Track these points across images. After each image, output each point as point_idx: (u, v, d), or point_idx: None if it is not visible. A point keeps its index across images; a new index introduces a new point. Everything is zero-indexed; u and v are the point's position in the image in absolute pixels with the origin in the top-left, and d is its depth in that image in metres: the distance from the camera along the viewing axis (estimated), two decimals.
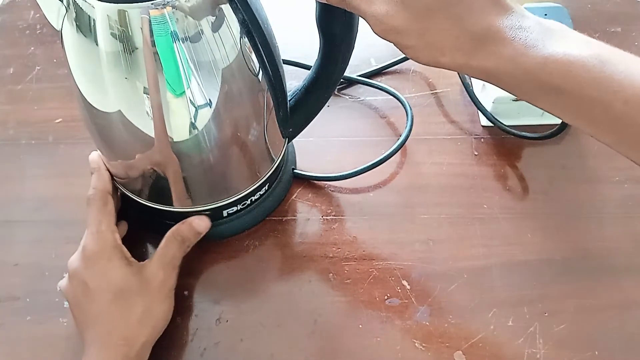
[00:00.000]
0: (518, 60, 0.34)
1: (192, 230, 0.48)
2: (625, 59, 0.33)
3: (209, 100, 0.40)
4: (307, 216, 0.54)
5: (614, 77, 0.33)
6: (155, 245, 0.50)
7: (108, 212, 0.47)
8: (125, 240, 0.49)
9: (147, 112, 0.40)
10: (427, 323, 0.48)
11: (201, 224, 0.48)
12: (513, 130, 0.58)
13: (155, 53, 0.37)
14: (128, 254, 0.46)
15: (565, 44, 0.34)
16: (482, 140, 0.59)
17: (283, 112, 0.48)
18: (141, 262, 0.46)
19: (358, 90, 0.63)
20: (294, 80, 0.62)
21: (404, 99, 0.60)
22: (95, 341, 0.43)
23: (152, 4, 0.35)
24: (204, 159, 0.45)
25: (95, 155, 0.49)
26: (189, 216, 0.49)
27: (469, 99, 0.60)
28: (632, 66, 0.33)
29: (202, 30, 0.38)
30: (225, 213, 0.50)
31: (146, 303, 0.44)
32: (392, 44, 0.37)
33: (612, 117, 0.33)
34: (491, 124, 0.59)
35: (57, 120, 0.61)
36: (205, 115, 0.41)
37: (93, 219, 0.46)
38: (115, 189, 0.49)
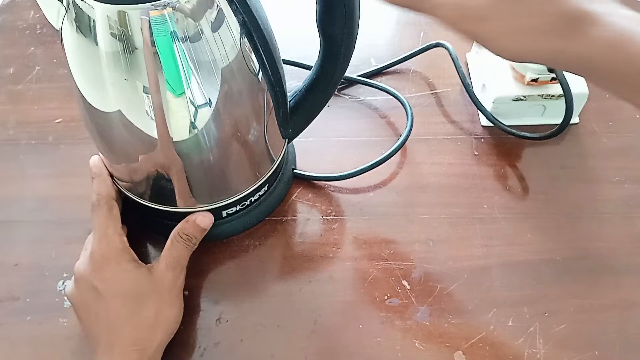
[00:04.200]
0: (622, 45, 0.31)
1: (196, 227, 0.47)
2: None
3: (209, 100, 0.40)
4: (307, 216, 0.54)
5: None
6: (156, 246, 0.50)
7: (114, 217, 0.46)
8: None
9: (147, 112, 0.40)
10: (427, 323, 0.48)
11: (204, 220, 0.48)
12: (513, 130, 0.58)
13: (155, 53, 0.37)
14: (136, 257, 0.46)
15: None
16: (482, 140, 0.59)
17: (283, 113, 0.48)
18: (149, 264, 0.46)
19: (358, 90, 0.63)
20: (294, 80, 0.62)
21: (404, 99, 0.60)
22: (107, 347, 0.42)
23: (152, 5, 0.35)
24: (204, 159, 0.45)
25: (96, 160, 0.49)
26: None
27: (469, 99, 0.60)
28: None
29: (201, 30, 0.38)
30: (224, 213, 0.50)
31: (157, 306, 0.43)
32: (466, 35, 0.33)
33: None
34: (491, 124, 0.59)
35: (57, 120, 0.61)
36: (205, 115, 0.41)
37: (99, 223, 0.46)
38: (118, 192, 0.49)
